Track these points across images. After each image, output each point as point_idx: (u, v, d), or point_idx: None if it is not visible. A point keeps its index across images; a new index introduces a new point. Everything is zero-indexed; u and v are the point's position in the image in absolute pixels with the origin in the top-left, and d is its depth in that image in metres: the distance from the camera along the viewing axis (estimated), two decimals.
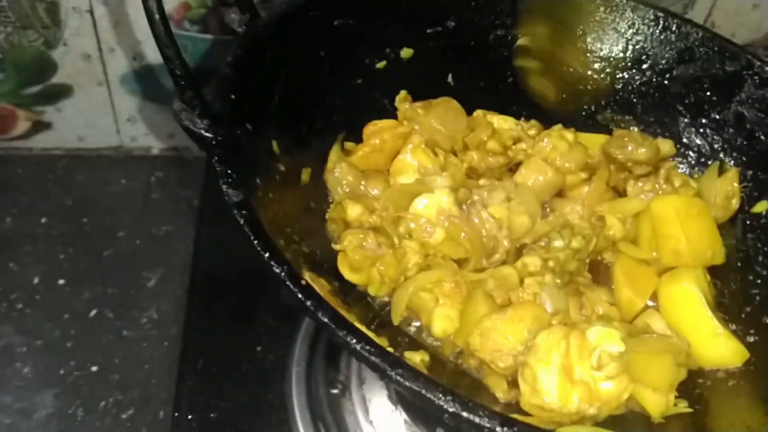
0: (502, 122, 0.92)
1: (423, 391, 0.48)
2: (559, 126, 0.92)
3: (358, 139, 0.89)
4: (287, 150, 0.77)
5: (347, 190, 0.83)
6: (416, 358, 0.70)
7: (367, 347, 0.50)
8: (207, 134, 0.63)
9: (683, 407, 0.70)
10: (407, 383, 0.48)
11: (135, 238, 1.25)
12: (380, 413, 0.86)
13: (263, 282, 0.97)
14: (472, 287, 0.72)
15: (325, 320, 0.50)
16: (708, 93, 0.94)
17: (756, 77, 0.90)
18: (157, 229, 1.27)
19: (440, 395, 0.48)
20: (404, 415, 0.85)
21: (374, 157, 0.86)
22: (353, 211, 0.78)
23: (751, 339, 0.78)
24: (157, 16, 0.59)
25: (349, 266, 0.75)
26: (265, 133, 0.74)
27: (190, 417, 0.86)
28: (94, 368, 1.08)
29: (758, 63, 0.90)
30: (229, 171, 0.60)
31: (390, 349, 0.58)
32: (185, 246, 1.20)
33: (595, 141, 0.94)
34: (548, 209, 0.87)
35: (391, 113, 0.92)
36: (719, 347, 0.75)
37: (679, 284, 0.79)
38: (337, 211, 0.79)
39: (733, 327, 0.80)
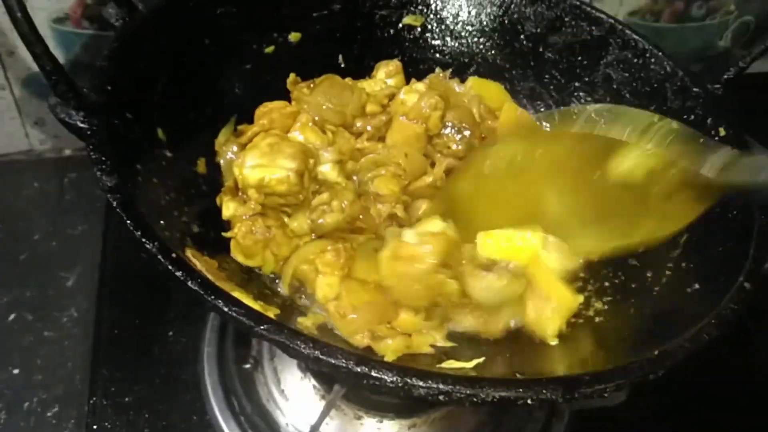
0: (372, 85, 0.97)
1: (286, 342, 0.53)
2: (413, 80, 0.98)
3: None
4: (175, 137, 0.81)
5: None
6: (308, 322, 0.75)
7: (234, 308, 0.54)
8: (82, 125, 0.66)
9: None
10: (272, 336, 0.53)
11: (51, 240, 1.27)
12: (290, 382, 0.91)
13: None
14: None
15: (194, 288, 0.55)
16: (579, 58, 1.01)
17: (619, 40, 0.97)
18: (73, 229, 1.29)
19: (301, 343, 0.53)
20: (312, 381, 0.90)
21: None
22: (227, 210, 0.82)
23: None
24: (19, 15, 0.61)
25: (242, 252, 0.79)
26: (148, 120, 0.78)
27: (105, 403, 0.89)
28: (16, 371, 1.09)
29: (620, 27, 0.97)
30: (103, 158, 0.64)
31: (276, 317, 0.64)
32: (102, 244, 1.22)
33: (488, 88, 1.01)
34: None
35: (285, 97, 0.96)
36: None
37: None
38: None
39: None
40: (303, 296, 0.79)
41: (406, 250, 0.75)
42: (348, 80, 0.96)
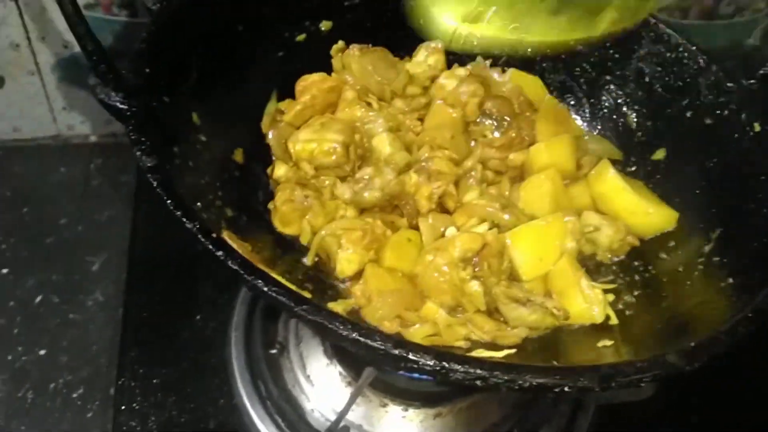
0: (415, 66, 0.98)
1: (325, 322, 0.53)
2: (455, 65, 0.98)
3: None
4: (209, 122, 0.82)
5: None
6: (338, 308, 0.75)
7: (275, 288, 0.55)
8: (122, 106, 0.67)
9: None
10: (311, 317, 0.54)
11: (77, 225, 1.28)
12: (316, 368, 0.92)
13: (200, 254, 1.01)
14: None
15: (235, 267, 0.55)
16: (611, 51, 1.00)
17: (652, 34, 0.97)
18: (99, 214, 1.30)
19: (339, 325, 0.53)
20: (339, 368, 0.91)
21: (309, 113, 0.92)
22: (279, 170, 0.86)
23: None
24: None
25: (280, 219, 0.82)
26: (184, 105, 0.78)
27: (133, 384, 0.90)
28: (42, 352, 1.11)
29: (653, 21, 0.97)
30: (143, 138, 0.64)
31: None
32: (127, 230, 1.23)
33: (526, 82, 1.01)
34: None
35: None
36: (654, 219, 0.88)
37: (606, 179, 0.89)
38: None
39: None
40: (330, 278, 0.80)
41: (440, 242, 0.77)
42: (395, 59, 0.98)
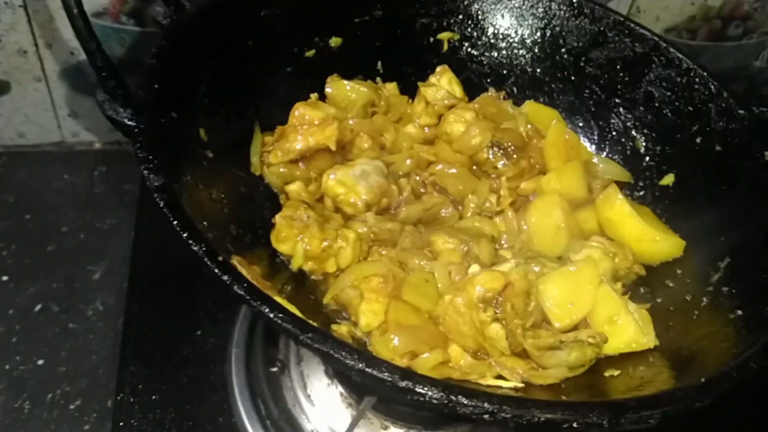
0: (433, 92, 0.97)
1: (331, 351, 0.52)
2: (463, 104, 0.98)
3: None
4: (216, 138, 0.81)
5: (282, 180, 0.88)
6: (342, 330, 0.74)
7: (280, 315, 0.54)
8: (129, 123, 0.66)
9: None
10: (317, 345, 0.53)
11: (79, 233, 1.27)
12: (317, 388, 0.90)
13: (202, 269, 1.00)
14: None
15: (241, 292, 0.54)
16: (621, 74, 1.00)
17: (662, 58, 0.96)
18: (102, 222, 1.29)
19: (346, 354, 0.52)
20: (340, 388, 0.89)
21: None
22: (293, 184, 0.86)
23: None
24: (75, 11, 0.62)
25: (276, 235, 0.80)
26: (192, 120, 0.78)
27: (132, 400, 0.89)
28: (41, 362, 1.10)
29: (664, 45, 0.96)
30: (150, 157, 0.64)
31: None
32: (129, 239, 1.21)
33: (543, 114, 1.01)
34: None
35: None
36: (661, 247, 0.87)
37: (613, 205, 0.89)
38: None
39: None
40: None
41: (460, 282, 0.76)
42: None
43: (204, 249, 0.57)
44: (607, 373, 0.73)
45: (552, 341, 0.71)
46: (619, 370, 0.73)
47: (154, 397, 0.90)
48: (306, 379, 0.91)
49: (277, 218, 0.80)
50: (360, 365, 0.52)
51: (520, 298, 0.74)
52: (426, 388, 0.52)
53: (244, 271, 0.64)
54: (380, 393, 0.75)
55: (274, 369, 0.92)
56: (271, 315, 0.53)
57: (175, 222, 0.59)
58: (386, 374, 0.52)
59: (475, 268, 0.77)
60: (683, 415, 0.57)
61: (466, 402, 0.51)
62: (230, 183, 0.81)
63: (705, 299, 0.79)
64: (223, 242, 0.70)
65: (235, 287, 0.55)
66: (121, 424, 0.88)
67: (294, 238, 0.79)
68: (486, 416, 0.52)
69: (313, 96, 0.95)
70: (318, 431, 0.88)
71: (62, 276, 1.21)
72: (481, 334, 0.73)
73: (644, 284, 0.86)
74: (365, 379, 0.53)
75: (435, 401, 0.52)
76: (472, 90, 1.03)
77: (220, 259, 0.57)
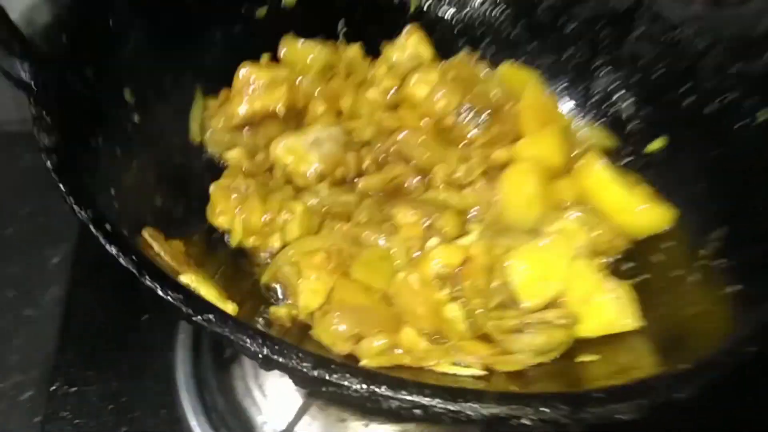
0: (398, 52, 0.88)
1: (229, 334, 0.42)
2: (428, 64, 0.87)
3: None
4: (146, 100, 0.71)
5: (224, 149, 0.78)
6: (281, 312, 0.64)
7: (171, 292, 0.43)
8: (27, 79, 0.56)
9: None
10: (213, 327, 0.43)
11: (39, 216, 1.18)
12: (270, 378, 0.80)
13: None
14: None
15: (126, 264, 0.44)
16: (604, 31, 0.88)
17: (649, 12, 0.85)
18: (63, 205, 1.19)
19: (247, 338, 0.42)
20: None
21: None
22: (231, 151, 0.76)
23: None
24: None
25: (211, 207, 0.70)
26: (114, 80, 0.67)
27: (69, 390, 0.80)
28: None
29: None
30: (43, 113, 0.54)
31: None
32: None
33: (520, 76, 0.89)
34: None
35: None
36: (648, 217, 0.76)
37: (592, 171, 0.77)
38: None
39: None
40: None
41: (416, 258, 0.66)
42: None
43: (90, 215, 0.47)
44: (580, 359, 0.62)
45: (515, 323, 0.60)
46: (598, 356, 0.62)
47: (93, 386, 0.81)
48: (258, 368, 0.81)
49: (212, 188, 0.70)
50: (264, 351, 0.42)
51: (481, 275, 0.64)
52: (344, 378, 0.41)
53: (156, 245, 0.54)
54: (299, 383, 0.64)
55: (224, 357, 0.82)
56: (160, 291, 0.43)
57: (61, 185, 0.49)
58: (296, 361, 0.41)
59: (432, 241, 0.67)
60: (672, 408, 0.47)
61: (391, 394, 0.41)
62: (162, 150, 0.71)
63: (697, 275, 0.68)
64: (139, 214, 0.60)
65: (122, 259, 0.44)
66: (53, 415, 0.78)
67: (231, 211, 0.69)
68: (418, 411, 0.41)
69: (265, 57, 0.84)
70: (270, 425, 0.78)
71: (19, 260, 1.11)
72: (437, 315, 0.63)
73: (629, 259, 0.75)
74: (273, 367, 0.43)
75: (355, 393, 0.41)
76: (444, 51, 0.92)
77: (108, 227, 0.46)
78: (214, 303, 0.49)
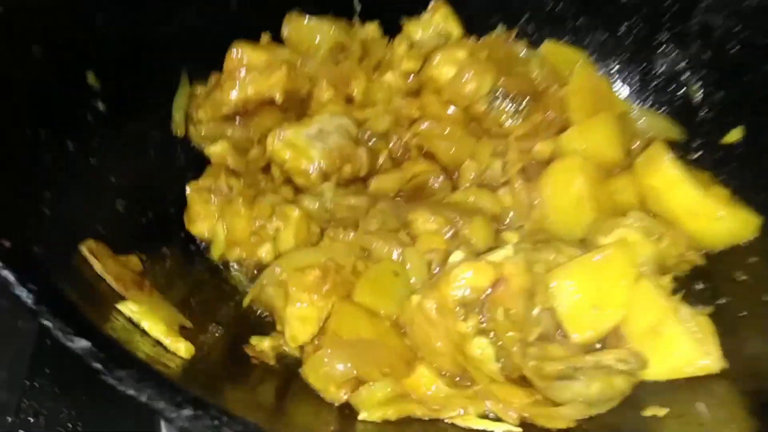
0: (421, 29, 0.75)
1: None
2: (454, 41, 0.73)
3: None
4: (115, 86, 0.59)
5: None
6: (264, 345, 0.51)
7: (76, 336, 0.31)
8: None
9: None
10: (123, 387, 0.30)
11: None
12: None
13: None
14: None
15: (20, 295, 0.32)
16: (667, 1, 0.73)
17: None
18: None
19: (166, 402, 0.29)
20: None
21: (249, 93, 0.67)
22: (215, 146, 0.63)
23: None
24: None
25: (188, 213, 0.59)
26: (71, 59, 0.55)
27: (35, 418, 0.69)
28: None
29: None
30: None
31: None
32: None
33: (565, 56, 0.76)
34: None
35: None
36: (727, 225, 0.63)
37: (659, 168, 0.64)
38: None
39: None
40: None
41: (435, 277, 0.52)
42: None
43: None
44: (648, 412, 0.48)
45: (561, 368, 0.46)
46: (667, 408, 0.47)
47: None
48: None
49: (188, 190, 0.57)
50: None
51: (518, 300, 0.50)
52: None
53: (97, 264, 0.42)
54: None
55: None
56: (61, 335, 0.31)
57: None
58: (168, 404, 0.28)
59: (456, 256, 0.53)
60: None
61: None
62: (132, 145, 0.59)
63: None
64: (86, 223, 0.48)
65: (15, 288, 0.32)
66: None
67: (211, 217, 0.57)
68: None
69: (265, 36, 0.72)
70: None
71: None
72: (461, 351, 0.49)
73: (703, 278, 0.61)
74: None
75: None
76: (476, 29, 0.79)
77: (7, 244, 0.34)
78: (160, 339, 0.36)
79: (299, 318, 0.51)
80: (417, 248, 0.58)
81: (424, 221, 0.61)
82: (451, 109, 0.70)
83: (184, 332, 0.45)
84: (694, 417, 0.47)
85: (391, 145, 0.70)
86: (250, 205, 0.57)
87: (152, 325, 0.40)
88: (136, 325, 0.40)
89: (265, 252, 0.58)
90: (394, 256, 0.58)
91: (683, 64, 0.74)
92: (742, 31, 0.70)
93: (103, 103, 0.58)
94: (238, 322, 0.53)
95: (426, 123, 0.70)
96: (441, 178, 0.69)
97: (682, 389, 0.50)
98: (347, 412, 0.46)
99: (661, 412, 0.47)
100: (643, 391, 0.50)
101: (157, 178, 0.60)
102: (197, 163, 0.65)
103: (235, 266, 0.59)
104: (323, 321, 0.51)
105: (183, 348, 0.42)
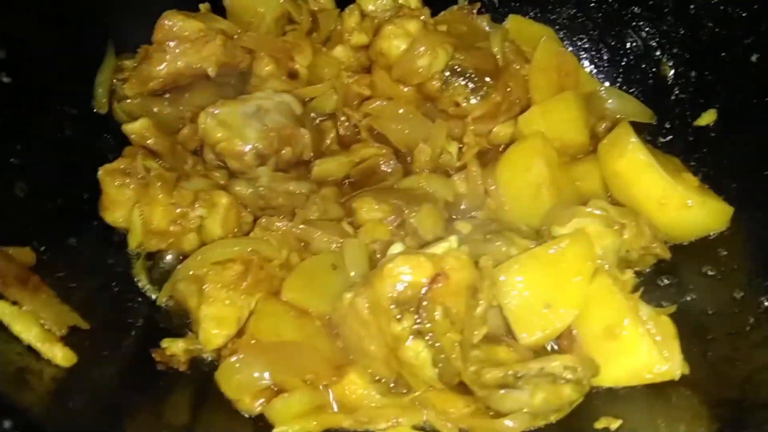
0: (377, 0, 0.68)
1: None
2: (406, 12, 0.66)
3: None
4: (24, 56, 0.52)
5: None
6: (176, 347, 0.45)
7: None
8: None
9: None
10: None
11: None
12: None
13: None
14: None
15: None
16: None
17: None
18: None
19: None
20: None
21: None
22: (134, 123, 0.56)
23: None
24: None
25: (103, 199, 0.52)
26: None
27: None
28: None
29: None
30: None
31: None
32: None
33: (531, 32, 0.70)
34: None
35: None
36: (696, 214, 0.57)
37: (623, 152, 0.57)
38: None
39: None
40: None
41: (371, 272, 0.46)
42: None
43: None
44: (600, 424, 0.42)
45: (501, 375, 0.41)
46: (620, 420, 0.42)
47: None
48: None
49: (100, 173, 0.51)
50: None
51: (459, 298, 0.44)
52: None
53: None
54: None
55: None
56: None
57: None
58: None
59: (395, 248, 0.47)
60: None
61: None
62: (42, 122, 0.53)
63: (765, 300, 0.48)
64: None
65: None
66: None
67: (127, 204, 0.51)
68: None
69: (203, 7, 0.65)
70: None
71: None
72: (395, 355, 0.43)
73: (669, 273, 0.55)
74: None
75: None
76: (438, 2, 0.71)
77: None
78: (33, 345, 0.30)
79: (214, 318, 0.45)
80: (359, 239, 0.53)
81: (369, 209, 0.55)
82: (404, 88, 0.64)
83: (75, 335, 0.39)
84: (650, 427, 0.42)
85: (338, 125, 0.64)
86: (169, 190, 0.51)
87: (23, 328, 0.34)
88: (4, 329, 0.34)
89: (189, 242, 0.52)
90: (334, 247, 0.52)
91: (656, 41, 0.68)
92: (718, 5, 0.64)
93: (8, 75, 0.51)
94: (152, 323, 0.47)
95: (377, 102, 0.64)
96: (393, 162, 0.63)
97: (640, 398, 0.44)
98: (262, 425, 0.41)
99: (614, 424, 0.42)
100: (597, 400, 0.45)
101: (71, 160, 0.54)
102: (122, 144, 0.59)
103: (164, 259, 0.53)
104: (243, 321, 0.46)
105: (60, 355, 0.36)
